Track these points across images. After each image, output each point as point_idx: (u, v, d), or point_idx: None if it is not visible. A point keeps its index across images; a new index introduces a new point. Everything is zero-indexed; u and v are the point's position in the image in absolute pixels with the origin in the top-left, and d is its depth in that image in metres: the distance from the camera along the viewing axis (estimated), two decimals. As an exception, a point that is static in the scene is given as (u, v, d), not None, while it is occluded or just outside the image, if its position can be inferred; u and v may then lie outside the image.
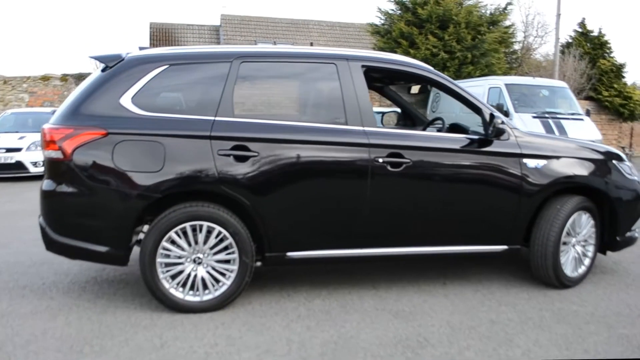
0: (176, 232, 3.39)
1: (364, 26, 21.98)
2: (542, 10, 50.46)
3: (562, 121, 11.50)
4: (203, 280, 3.48)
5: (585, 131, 11.44)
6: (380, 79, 4.71)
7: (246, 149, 3.42)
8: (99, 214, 3.33)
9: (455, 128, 4.37)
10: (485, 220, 3.97)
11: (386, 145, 3.67)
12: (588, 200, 4.17)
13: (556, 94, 12.42)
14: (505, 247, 4.04)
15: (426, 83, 4.02)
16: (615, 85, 18.84)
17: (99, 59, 3.54)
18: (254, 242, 3.55)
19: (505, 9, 18.40)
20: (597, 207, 4.25)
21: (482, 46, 16.61)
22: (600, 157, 4.28)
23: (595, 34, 20.35)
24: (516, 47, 21.99)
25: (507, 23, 18.71)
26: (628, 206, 4.33)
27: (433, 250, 3.90)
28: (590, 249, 4.29)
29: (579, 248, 4.22)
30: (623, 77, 19.23)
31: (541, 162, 3.99)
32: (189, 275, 3.46)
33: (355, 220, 3.67)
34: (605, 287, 4.30)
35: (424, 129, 4.74)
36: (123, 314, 3.47)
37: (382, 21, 18.65)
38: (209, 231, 3.44)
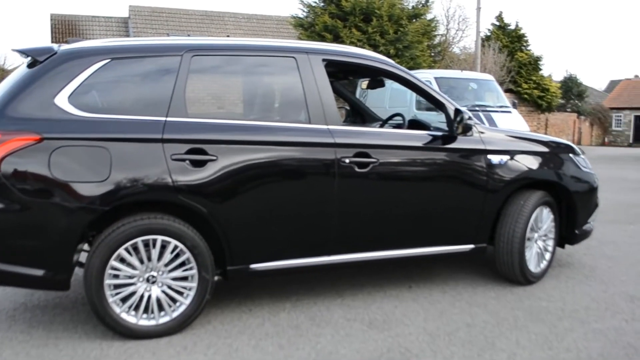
0: (126, 249, 2.99)
1: (284, 19, 21.68)
2: (463, 4, 52.41)
3: (492, 114, 11.78)
4: (158, 301, 3.09)
5: (514, 124, 11.77)
6: (335, 74, 4.48)
7: (203, 152, 3.08)
8: (34, 233, 2.87)
9: (415, 124, 4.22)
10: (452, 219, 3.85)
11: (352, 144, 3.44)
12: (548, 195, 4.15)
13: (484, 87, 12.73)
14: (472, 246, 3.93)
15: (387, 77, 3.82)
16: (534, 78, 19.72)
17: (26, 52, 3.05)
18: (214, 254, 3.22)
19: (427, 2, 18.77)
20: (555, 201, 4.25)
21: (405, 39, 16.84)
22: (559, 151, 4.27)
23: (512, 27, 21.18)
24: (438, 40, 22.51)
25: (429, 16, 19.10)
26: (585, 199, 4.36)
27: (402, 253, 3.72)
28: (550, 244, 4.28)
29: (540, 243, 4.19)
30: (540, 69, 20.16)
31: (505, 158, 3.91)
32: (142, 296, 3.06)
33: (323, 225, 3.42)
34: (566, 280, 4.30)
35: (382, 126, 4.57)
36: (67, 345, 3.02)
37: (305, 14, 18.47)
38: (164, 246, 3.06)
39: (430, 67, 17.98)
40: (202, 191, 3.07)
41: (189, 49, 3.23)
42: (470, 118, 3.69)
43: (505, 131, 4.21)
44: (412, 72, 4.14)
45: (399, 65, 3.81)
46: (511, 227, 3.97)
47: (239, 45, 3.44)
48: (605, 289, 4.10)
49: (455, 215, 3.84)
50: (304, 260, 3.44)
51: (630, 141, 38.70)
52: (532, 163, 4.05)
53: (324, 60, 3.52)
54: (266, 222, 3.27)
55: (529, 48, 20.78)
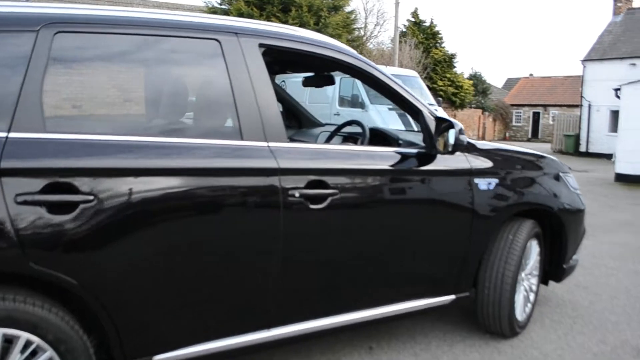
0: None
1: (197, 7, 20.10)
2: (381, -3, 51.99)
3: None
4: None
5: (440, 122, 11.22)
6: (271, 65, 3.38)
7: (71, 189, 1.88)
8: None
9: (378, 136, 3.22)
10: (432, 264, 2.91)
11: (304, 169, 2.38)
12: (537, 225, 3.32)
13: (408, 83, 12.03)
14: (452, 297, 3.02)
15: (347, 72, 2.80)
16: (448, 75, 19.59)
17: None
18: (95, 346, 2.05)
19: (347, -7, 18.02)
20: (542, 230, 3.44)
21: (326, 31, 15.95)
22: (549, 169, 3.45)
23: (427, 24, 20.96)
24: (357, 33, 21.87)
25: (349, 9, 18.35)
26: (575, 227, 3.58)
27: (369, 315, 2.71)
28: (535, 282, 3.47)
29: (526, 283, 3.37)
30: (454, 66, 20.10)
31: (493, 181, 3.02)
32: None
33: (260, 288, 2.34)
34: (553, 326, 3.52)
35: (330, 138, 3.52)
36: None
37: (220, 1, 17.08)
38: (9, 341, 1.86)
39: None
40: (69, 253, 1.88)
41: (50, 21, 2.00)
42: (462, 131, 2.73)
43: (490, 145, 3.31)
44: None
45: (363, 57, 2.77)
46: (499, 270, 3.09)
47: (132, 18, 2.19)
48: (602, 339, 3.35)
49: (436, 259, 2.91)
50: (232, 341, 2.33)
51: (529, 136, 40.59)
52: (524, 186, 3.19)
53: (261, 45, 2.41)
54: (175, 292, 2.14)
55: (443, 45, 20.66)
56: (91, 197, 1.89)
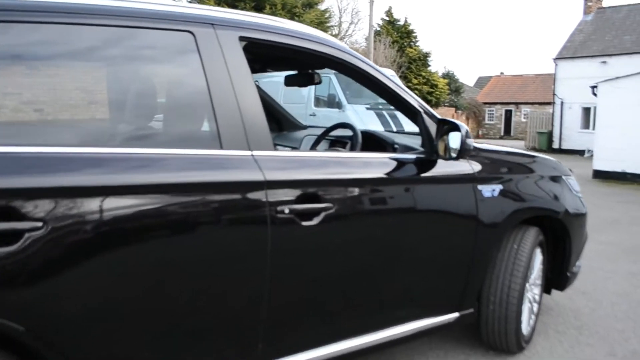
0: None
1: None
2: (355, -4, 51.46)
3: (396, 112, 10.91)
4: None
5: (419, 122, 11.04)
6: (252, 62, 3.06)
7: (11, 214, 1.55)
8: None
9: (370, 140, 2.94)
10: (435, 280, 2.64)
11: (294, 182, 2.08)
12: (541, 232, 3.09)
13: (385, 82, 11.87)
14: (456, 315, 2.75)
15: (338, 68, 2.50)
16: (423, 73, 19.49)
17: None
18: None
19: (321, -10, 17.76)
20: (544, 236, 3.21)
21: (300, 31, 15.63)
22: (554, 173, 3.22)
23: (402, 22, 20.84)
24: (331, 32, 21.61)
25: (323, 6, 18.10)
26: (579, 233, 3.36)
27: (368, 341, 2.41)
28: (537, 292, 3.24)
29: (530, 294, 3.13)
30: (429, 65, 20.01)
31: (497, 187, 2.76)
32: None
33: (246, 320, 2.03)
34: (558, 338, 3.29)
35: (316, 143, 3.23)
36: None
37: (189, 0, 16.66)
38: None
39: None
40: (14, 292, 1.55)
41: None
42: (468, 134, 2.45)
43: (490, 147, 3.05)
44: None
45: (357, 54, 2.48)
46: (504, 283, 2.84)
47: (89, 6, 1.85)
48: (611, 350, 3.14)
49: (439, 275, 2.64)
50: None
51: (502, 133, 40.97)
52: (529, 191, 2.95)
53: (242, 39, 2.10)
54: (148, 331, 1.82)
55: (417, 44, 20.57)
56: (40, 224, 1.55)
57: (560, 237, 3.27)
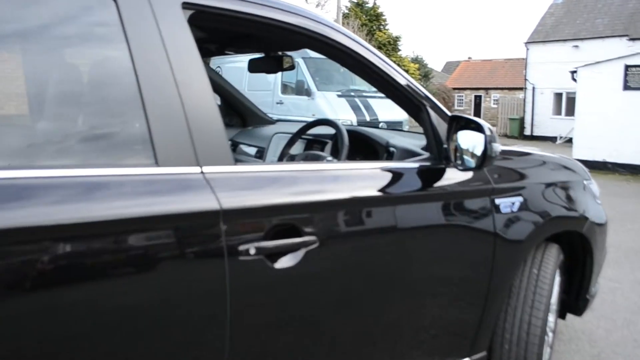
0: None
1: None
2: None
3: (369, 100, 10.39)
4: None
5: (393, 111, 10.48)
6: (206, 41, 2.37)
7: None
8: None
9: (357, 139, 2.33)
10: (444, 322, 2.06)
11: (262, 208, 1.46)
12: (561, 250, 2.55)
13: (358, 68, 11.27)
14: (466, 360, 2.19)
15: (318, 49, 1.85)
16: (393, 58, 18.95)
17: None
18: None
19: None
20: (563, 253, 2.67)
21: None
22: (577, 178, 2.66)
23: (370, 4, 20.24)
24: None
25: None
26: (602, 247, 2.83)
27: None
28: (553, 319, 2.70)
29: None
30: (399, 49, 19.48)
31: (516, 200, 2.19)
32: None
33: None
34: (577, 374, 2.78)
35: (289, 145, 2.60)
36: None
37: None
38: None
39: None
40: None
41: None
42: (493, 136, 1.84)
43: (507, 148, 2.46)
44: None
45: (344, 29, 1.85)
46: (523, 318, 2.29)
47: None
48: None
49: (448, 314, 2.07)
50: None
51: (471, 120, 40.86)
52: (553, 203, 2.38)
53: (187, 6, 1.45)
54: None
55: (387, 27, 19.97)
56: None
57: (581, 253, 2.74)
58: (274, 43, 2.41)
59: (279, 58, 2.52)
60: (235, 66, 11.55)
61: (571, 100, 21.01)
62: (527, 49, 23.35)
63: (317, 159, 2.14)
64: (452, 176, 1.96)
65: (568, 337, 3.21)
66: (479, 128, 1.81)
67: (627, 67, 10.37)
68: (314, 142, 2.60)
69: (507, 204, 2.13)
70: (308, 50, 11.56)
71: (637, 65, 10.30)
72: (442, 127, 1.95)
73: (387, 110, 10.25)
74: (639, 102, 10.22)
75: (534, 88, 22.81)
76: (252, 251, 1.39)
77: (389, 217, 1.76)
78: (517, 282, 2.30)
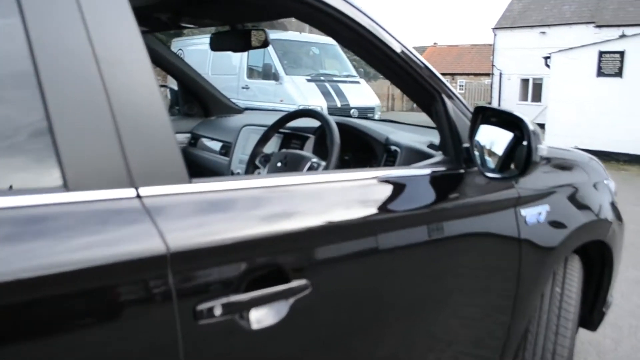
0: None
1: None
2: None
3: (340, 85, 9.96)
4: None
5: (364, 96, 10.15)
6: (144, 10, 1.83)
7: None
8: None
9: (348, 133, 1.89)
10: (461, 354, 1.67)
11: (232, 246, 1.01)
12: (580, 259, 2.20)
13: (327, 52, 10.83)
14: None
15: (306, 19, 1.40)
16: (363, 43, 18.49)
17: None
18: None
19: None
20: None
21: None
22: (599, 178, 2.29)
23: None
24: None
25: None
26: (619, 254, 2.49)
27: None
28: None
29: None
30: (369, 34, 19.00)
31: (543, 209, 1.80)
32: None
33: None
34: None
35: (287, 140, 2.14)
36: None
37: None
38: None
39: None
40: None
41: None
42: (536, 135, 1.41)
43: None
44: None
45: None
46: (547, 345, 1.93)
47: None
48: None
49: (466, 353, 1.68)
50: None
51: (437, 106, 40.93)
52: (580, 209, 2.01)
53: None
54: None
55: (355, 11, 19.45)
56: None
57: (599, 261, 2.39)
58: (243, 11, 1.92)
59: (248, 33, 2.05)
60: (198, 49, 10.96)
61: (537, 87, 21.13)
62: (495, 35, 23.28)
63: (300, 161, 1.71)
64: (472, 183, 1.55)
65: (576, 350, 2.88)
66: (515, 123, 1.39)
67: (601, 53, 10.21)
68: (292, 136, 2.15)
69: (534, 214, 1.74)
70: (275, 32, 11.04)
71: (611, 52, 10.16)
72: (461, 121, 1.54)
73: (359, 95, 9.89)
74: (612, 89, 10.09)
75: (501, 74, 22.78)
76: (218, 311, 0.95)
77: (399, 243, 1.34)
78: (538, 304, 1.93)
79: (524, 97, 22.01)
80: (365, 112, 9.46)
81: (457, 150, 1.53)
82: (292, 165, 1.74)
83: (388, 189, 1.37)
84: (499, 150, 1.45)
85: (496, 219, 1.62)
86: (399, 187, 1.39)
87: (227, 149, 2.53)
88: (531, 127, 1.36)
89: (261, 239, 1.04)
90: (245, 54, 10.33)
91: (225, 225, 1.00)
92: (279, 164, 1.80)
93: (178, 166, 0.96)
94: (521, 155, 1.37)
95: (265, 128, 2.12)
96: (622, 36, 14.41)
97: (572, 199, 1.98)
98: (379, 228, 1.29)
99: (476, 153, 1.46)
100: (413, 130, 2.07)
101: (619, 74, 10.14)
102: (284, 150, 2.03)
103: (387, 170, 1.49)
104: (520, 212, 1.68)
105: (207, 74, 10.83)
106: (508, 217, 1.65)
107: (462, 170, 1.53)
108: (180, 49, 11.78)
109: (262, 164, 1.90)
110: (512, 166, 1.39)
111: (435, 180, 1.48)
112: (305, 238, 1.12)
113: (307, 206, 1.17)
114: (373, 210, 1.30)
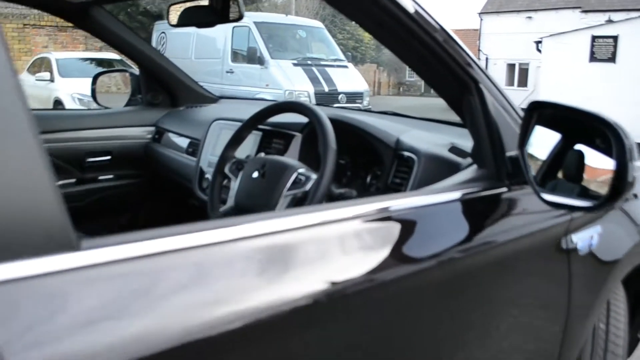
0: None
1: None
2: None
3: (328, 69, 9.56)
4: None
5: (353, 81, 9.77)
6: None
7: None
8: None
9: (345, 131, 1.47)
10: None
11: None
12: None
13: (314, 36, 10.39)
14: None
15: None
16: (348, 27, 18.13)
17: None
18: None
19: None
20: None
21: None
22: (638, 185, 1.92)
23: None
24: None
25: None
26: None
27: None
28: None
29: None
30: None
31: (595, 232, 1.41)
32: None
33: None
34: None
35: (267, 138, 1.72)
36: None
37: None
38: None
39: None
40: None
41: None
42: (632, 151, 1.01)
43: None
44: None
45: None
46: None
47: None
48: None
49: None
50: None
51: (422, 91, 40.65)
52: (631, 228, 1.63)
53: None
54: None
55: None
56: None
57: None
58: None
59: (223, 3, 1.61)
60: (181, 31, 10.43)
61: (523, 72, 20.95)
62: (481, 20, 22.99)
63: (283, 172, 1.27)
64: (520, 209, 1.15)
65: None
66: (610, 130, 0.99)
67: (594, 37, 9.91)
68: (274, 134, 1.73)
69: (586, 239, 1.36)
70: (261, 14, 10.56)
71: (604, 37, 9.86)
72: (503, 121, 1.14)
73: (347, 80, 9.51)
74: (604, 74, 9.81)
75: (487, 59, 22.51)
76: None
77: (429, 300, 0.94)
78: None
79: (510, 82, 21.82)
80: (353, 98, 9.12)
81: (497, 161, 1.13)
82: (272, 177, 1.30)
83: (406, 230, 0.95)
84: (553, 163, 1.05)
85: (545, 252, 1.23)
86: (423, 224, 0.97)
87: (195, 147, 2.10)
88: (624, 137, 0.96)
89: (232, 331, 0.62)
90: (229, 36, 9.86)
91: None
92: (255, 174, 1.37)
93: (60, 224, 0.53)
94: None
95: (240, 123, 1.69)
96: (609, 21, 14.14)
97: (621, 215, 1.59)
98: (407, 283, 0.88)
99: (530, 166, 1.06)
100: (425, 127, 1.65)
101: (612, 59, 9.85)
102: (262, 155, 1.61)
103: (404, 198, 1.06)
104: (572, 239, 1.29)
105: (190, 59, 10.34)
106: (558, 247, 1.26)
107: (504, 189, 1.13)
108: (162, 32, 11.26)
109: (233, 172, 1.46)
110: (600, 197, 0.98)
111: (470, 206, 1.07)
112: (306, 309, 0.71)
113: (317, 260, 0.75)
114: (399, 265, 0.88)
